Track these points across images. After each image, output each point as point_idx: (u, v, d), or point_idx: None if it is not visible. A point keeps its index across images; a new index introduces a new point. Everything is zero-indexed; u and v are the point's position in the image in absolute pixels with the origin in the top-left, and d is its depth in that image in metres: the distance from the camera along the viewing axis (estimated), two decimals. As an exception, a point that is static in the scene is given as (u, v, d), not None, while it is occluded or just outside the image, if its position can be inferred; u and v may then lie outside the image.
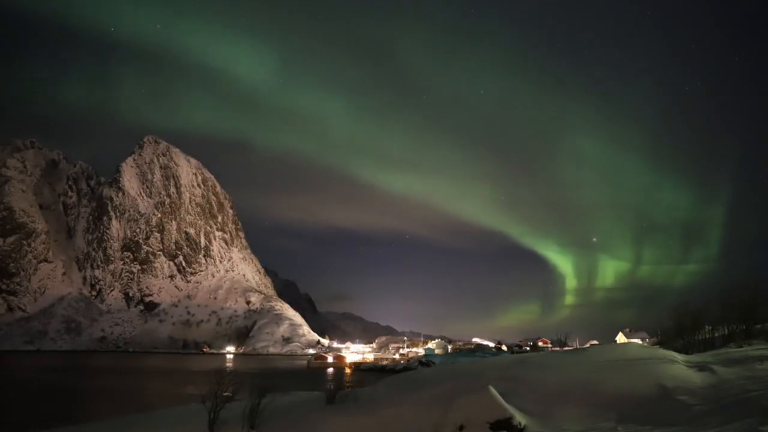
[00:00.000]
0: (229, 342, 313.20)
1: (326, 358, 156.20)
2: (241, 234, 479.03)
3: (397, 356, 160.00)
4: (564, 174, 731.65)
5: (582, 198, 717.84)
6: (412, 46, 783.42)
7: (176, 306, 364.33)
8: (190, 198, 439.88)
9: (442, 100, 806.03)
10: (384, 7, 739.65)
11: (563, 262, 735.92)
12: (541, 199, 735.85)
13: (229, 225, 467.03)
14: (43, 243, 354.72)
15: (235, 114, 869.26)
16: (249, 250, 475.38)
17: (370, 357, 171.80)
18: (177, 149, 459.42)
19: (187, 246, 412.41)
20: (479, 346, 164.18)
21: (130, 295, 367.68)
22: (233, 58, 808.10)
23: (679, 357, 27.30)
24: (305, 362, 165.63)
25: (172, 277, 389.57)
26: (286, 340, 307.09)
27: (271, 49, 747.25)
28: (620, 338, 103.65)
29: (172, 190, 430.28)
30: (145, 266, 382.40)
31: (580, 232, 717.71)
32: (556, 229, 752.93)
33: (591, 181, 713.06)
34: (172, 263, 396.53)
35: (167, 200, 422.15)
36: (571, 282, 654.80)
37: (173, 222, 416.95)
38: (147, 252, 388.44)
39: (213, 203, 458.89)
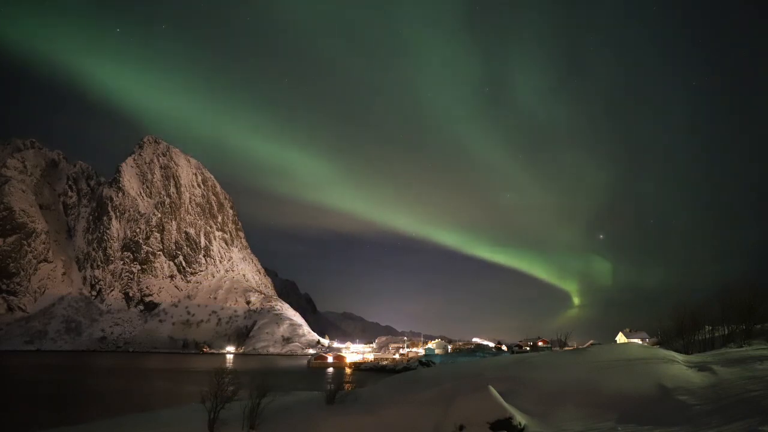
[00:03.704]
0: (229, 342, 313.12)
1: (326, 358, 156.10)
2: (241, 234, 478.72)
3: (397, 356, 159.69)
4: (565, 176, 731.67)
5: (583, 199, 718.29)
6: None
7: (176, 306, 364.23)
8: (190, 198, 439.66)
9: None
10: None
11: (564, 262, 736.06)
12: (544, 200, 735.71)
13: (229, 225, 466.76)
14: (43, 243, 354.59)
15: (238, 118, 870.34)
16: (249, 250, 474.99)
17: (370, 357, 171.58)
18: (177, 149, 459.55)
19: (187, 246, 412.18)
20: (479, 346, 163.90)
21: (130, 295, 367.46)
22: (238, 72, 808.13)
23: (679, 357, 27.28)
24: (305, 362, 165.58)
25: (172, 277, 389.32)
26: (286, 340, 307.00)
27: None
28: (620, 338, 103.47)
29: (172, 190, 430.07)
30: (145, 266, 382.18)
31: (583, 231, 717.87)
32: (558, 228, 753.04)
33: (590, 182, 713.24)
34: (172, 263, 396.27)
35: (167, 200, 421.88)
36: (571, 282, 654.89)
37: (173, 222, 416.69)
38: (147, 252, 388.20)
39: (213, 203, 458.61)
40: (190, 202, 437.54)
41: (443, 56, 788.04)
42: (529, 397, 20.56)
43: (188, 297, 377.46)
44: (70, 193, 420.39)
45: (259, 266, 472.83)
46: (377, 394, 24.33)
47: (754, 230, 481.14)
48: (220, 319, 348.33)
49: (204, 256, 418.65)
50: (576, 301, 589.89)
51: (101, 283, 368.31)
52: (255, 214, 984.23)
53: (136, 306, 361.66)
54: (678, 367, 23.63)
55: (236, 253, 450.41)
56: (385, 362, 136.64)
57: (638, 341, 75.90)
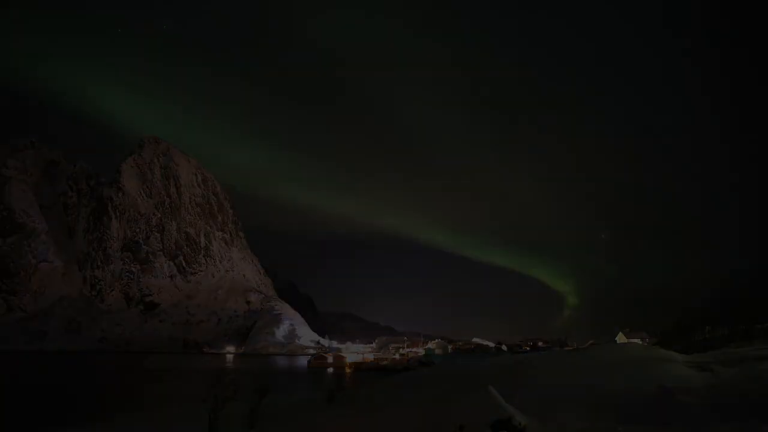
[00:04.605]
0: (229, 342, 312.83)
1: (326, 358, 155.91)
2: (241, 234, 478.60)
3: (397, 356, 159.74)
4: (565, 176, 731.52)
5: (584, 198, 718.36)
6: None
7: (176, 306, 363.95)
8: (190, 198, 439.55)
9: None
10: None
11: (564, 262, 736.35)
12: (544, 199, 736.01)
13: (229, 225, 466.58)
14: (43, 243, 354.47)
15: (238, 118, 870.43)
16: (249, 250, 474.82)
17: (370, 357, 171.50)
18: (177, 149, 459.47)
19: (187, 246, 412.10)
20: (479, 346, 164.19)
21: (130, 295, 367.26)
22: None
23: (679, 357, 27.30)
24: (305, 362, 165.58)
25: (172, 277, 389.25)
26: (286, 340, 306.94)
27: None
28: (620, 338, 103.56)
29: (172, 190, 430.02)
30: (145, 266, 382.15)
31: (583, 230, 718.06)
32: (557, 228, 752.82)
33: (591, 182, 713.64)
34: (172, 263, 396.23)
35: (167, 200, 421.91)
36: (571, 282, 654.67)
37: (173, 222, 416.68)
38: (147, 252, 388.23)
39: (213, 203, 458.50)
40: (190, 202, 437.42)
41: (441, 56, 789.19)
42: (529, 397, 20.56)
43: (188, 297, 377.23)
44: (70, 193, 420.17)
45: (259, 266, 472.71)
46: (377, 394, 24.34)
47: (754, 230, 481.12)
48: (220, 319, 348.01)
49: (204, 256, 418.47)
50: (576, 301, 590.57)
51: (101, 283, 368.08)
52: (255, 214, 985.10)
53: (136, 306, 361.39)
54: (678, 367, 23.64)
55: (236, 253, 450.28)
56: (385, 362, 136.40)
57: (638, 341, 75.97)
